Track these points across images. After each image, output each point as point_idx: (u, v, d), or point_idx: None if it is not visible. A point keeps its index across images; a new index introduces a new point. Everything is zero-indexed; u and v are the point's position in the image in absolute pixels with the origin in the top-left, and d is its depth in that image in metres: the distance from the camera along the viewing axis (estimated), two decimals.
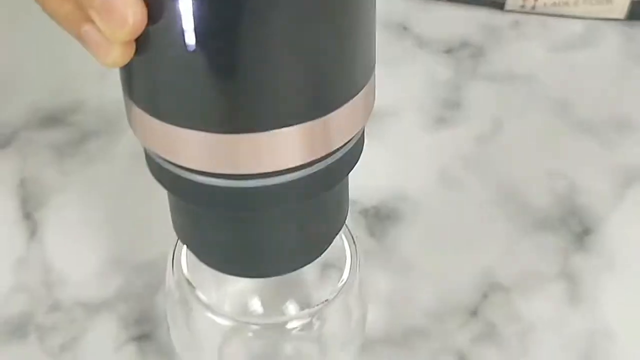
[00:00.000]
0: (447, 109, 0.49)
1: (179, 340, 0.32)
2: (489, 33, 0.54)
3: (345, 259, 0.31)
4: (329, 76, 0.22)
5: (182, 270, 0.30)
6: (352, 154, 0.24)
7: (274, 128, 0.21)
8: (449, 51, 0.52)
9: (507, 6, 0.55)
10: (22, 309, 0.37)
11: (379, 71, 0.50)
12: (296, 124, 0.21)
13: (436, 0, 0.56)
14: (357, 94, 0.23)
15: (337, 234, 0.27)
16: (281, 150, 0.22)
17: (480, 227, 0.42)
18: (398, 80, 0.50)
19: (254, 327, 0.30)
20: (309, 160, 0.22)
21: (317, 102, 0.22)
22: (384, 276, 0.40)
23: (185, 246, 0.31)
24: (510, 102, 0.49)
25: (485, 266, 0.40)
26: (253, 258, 0.26)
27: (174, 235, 0.29)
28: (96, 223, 0.41)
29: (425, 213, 0.43)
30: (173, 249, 0.31)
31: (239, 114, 0.21)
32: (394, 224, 0.42)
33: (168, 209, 0.27)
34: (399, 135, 0.47)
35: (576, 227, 0.42)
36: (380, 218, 0.42)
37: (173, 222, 0.27)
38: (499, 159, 0.46)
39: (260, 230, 0.25)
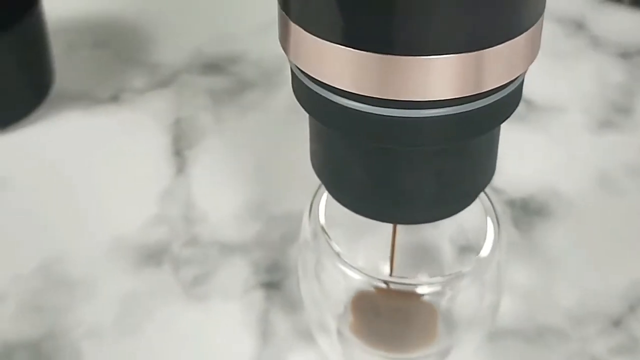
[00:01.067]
0: (616, 113, 0.46)
1: (307, 291, 0.32)
2: None
3: (486, 237, 0.30)
4: (492, 9, 0.21)
5: (318, 220, 0.30)
6: (507, 101, 0.23)
7: (430, 54, 0.20)
8: (624, 55, 0.49)
9: None
10: (160, 239, 0.38)
11: (548, 63, 0.48)
12: (453, 53, 0.21)
13: (617, 2, 0.53)
14: (520, 34, 0.22)
15: (480, 191, 0.26)
16: (433, 79, 0.21)
17: (636, 238, 0.39)
18: (568, 76, 0.48)
19: (384, 285, 0.29)
20: (461, 94, 0.21)
21: (477, 35, 0.21)
22: (524, 270, 0.38)
23: (324, 196, 0.31)
24: None
25: (635, 278, 0.38)
26: (389, 200, 0.25)
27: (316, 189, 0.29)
28: (243, 169, 0.41)
29: (577, 213, 0.40)
30: (312, 198, 0.30)
31: (396, 35, 0.20)
32: (542, 219, 0.40)
33: None
34: (562, 130, 0.45)
35: None
36: (528, 211, 0.40)
37: (311, 157, 0.26)
38: None
39: (400, 170, 0.24)
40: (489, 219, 0.30)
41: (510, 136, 0.44)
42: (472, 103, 0.22)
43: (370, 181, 0.24)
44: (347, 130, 0.23)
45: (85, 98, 0.45)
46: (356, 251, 0.34)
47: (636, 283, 0.37)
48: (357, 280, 0.29)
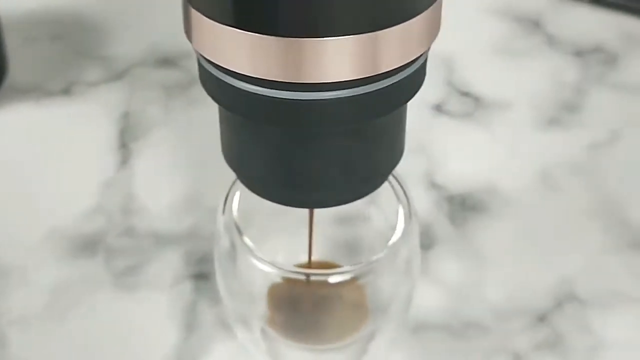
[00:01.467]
0: (565, 112, 0.46)
1: (223, 285, 0.32)
2: (628, 41, 0.50)
3: (397, 226, 0.30)
4: None
5: (232, 214, 0.30)
6: (408, 83, 0.23)
7: (325, 36, 0.21)
8: (579, 54, 0.49)
9: None
10: (97, 229, 0.39)
11: (501, 61, 0.48)
12: (348, 34, 0.21)
13: (578, 0, 0.53)
14: (416, 16, 0.22)
15: (388, 172, 0.26)
16: (329, 61, 0.21)
17: (571, 235, 0.39)
18: (520, 74, 0.48)
19: (297, 277, 0.29)
20: (358, 76, 0.22)
21: (372, 17, 0.21)
22: (455, 265, 0.38)
23: (238, 191, 0.31)
24: (635, 114, 0.46)
25: (566, 275, 0.38)
26: (297, 185, 0.25)
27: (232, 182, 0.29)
28: (186, 163, 0.42)
29: (514, 210, 0.40)
30: (227, 191, 0.31)
31: (289, 17, 0.21)
32: (478, 216, 0.40)
33: None
34: (508, 128, 0.45)
35: None
36: (465, 207, 0.40)
37: (222, 145, 0.26)
38: (609, 170, 0.42)
39: (306, 153, 0.24)
40: (400, 207, 0.30)
41: (456, 132, 0.44)
42: (372, 85, 0.23)
43: (277, 166, 0.25)
44: (249, 114, 0.23)
45: (37, 90, 0.46)
46: (275, 243, 0.34)
47: (565, 280, 0.38)
48: (269, 273, 0.30)
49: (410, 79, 0.24)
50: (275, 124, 0.23)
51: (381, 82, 0.23)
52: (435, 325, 0.36)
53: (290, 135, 0.24)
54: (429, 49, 0.24)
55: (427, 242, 0.39)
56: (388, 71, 0.22)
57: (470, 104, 0.46)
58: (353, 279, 0.29)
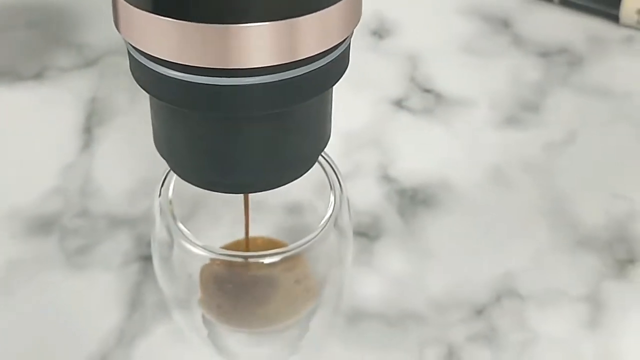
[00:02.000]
0: (524, 111, 0.46)
1: (160, 270, 0.33)
2: (594, 44, 0.51)
3: (327, 210, 0.31)
4: None
5: (167, 198, 0.31)
6: (329, 69, 0.24)
7: (243, 22, 0.22)
8: (544, 54, 0.50)
9: (622, 19, 0.51)
10: (53, 209, 0.40)
11: (466, 60, 0.49)
12: (266, 21, 0.22)
13: (548, 2, 0.53)
14: (333, 4, 0.23)
15: (315, 157, 0.27)
16: (248, 47, 0.22)
17: (517, 232, 0.40)
18: (483, 72, 0.49)
19: (230, 260, 0.30)
20: (277, 62, 0.22)
21: (288, 3, 0.22)
22: (400, 257, 0.39)
23: (175, 175, 0.32)
24: (593, 117, 0.46)
25: (508, 270, 0.38)
26: (223, 170, 0.26)
27: None
28: (145, 150, 0.43)
29: (464, 206, 0.41)
30: (164, 175, 0.32)
31: (209, 3, 0.21)
32: (427, 210, 0.41)
33: None
34: (465, 125, 0.45)
35: (621, 255, 0.39)
36: (415, 202, 0.41)
37: (153, 134, 0.27)
38: (562, 170, 0.43)
39: (231, 139, 0.25)
40: (331, 194, 0.31)
41: (414, 128, 0.45)
42: (292, 70, 0.23)
43: (203, 152, 0.26)
44: (173, 101, 0.24)
45: (10, 74, 0.47)
46: (214, 226, 0.35)
47: (507, 275, 0.38)
48: (202, 256, 0.30)
49: (331, 66, 0.24)
50: (197, 109, 0.24)
51: (301, 68, 0.23)
52: (372, 315, 0.36)
53: (214, 120, 0.25)
54: (349, 37, 0.25)
55: (374, 234, 0.40)
56: (307, 58, 0.23)
57: (431, 100, 0.47)
58: (283, 261, 0.30)
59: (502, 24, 0.52)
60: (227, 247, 0.35)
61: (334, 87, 0.26)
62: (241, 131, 0.25)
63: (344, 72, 0.26)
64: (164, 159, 0.28)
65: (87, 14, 0.51)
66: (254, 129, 0.25)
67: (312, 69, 0.24)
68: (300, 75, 0.24)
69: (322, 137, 0.27)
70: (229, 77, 0.23)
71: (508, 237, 0.40)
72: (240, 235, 0.35)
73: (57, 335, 0.35)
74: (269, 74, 0.23)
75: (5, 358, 0.34)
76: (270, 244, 0.37)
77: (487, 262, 0.39)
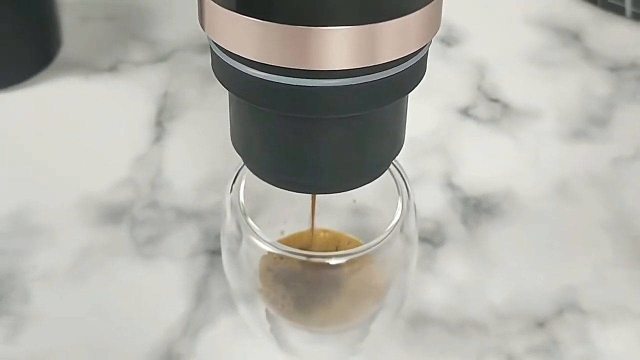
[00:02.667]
0: (593, 125, 0.46)
1: (227, 262, 0.34)
2: None
3: (394, 215, 0.31)
4: None
5: (238, 194, 0.32)
6: (407, 75, 0.25)
7: (325, 25, 0.22)
8: (614, 69, 0.50)
9: None
10: (124, 199, 0.41)
11: (535, 71, 0.49)
12: (347, 25, 0.22)
13: (620, 16, 0.53)
14: (413, 12, 0.23)
15: (388, 163, 0.27)
16: (329, 49, 0.22)
17: (582, 246, 0.40)
18: (551, 84, 0.49)
19: (296, 257, 0.30)
20: (356, 66, 0.23)
21: (370, 9, 0.22)
22: (462, 264, 0.39)
23: (246, 171, 0.33)
24: None
25: (570, 284, 0.38)
26: (296, 169, 0.26)
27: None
28: (215, 144, 0.44)
29: (527, 217, 0.41)
30: (236, 171, 0.32)
31: (294, 6, 0.22)
32: (491, 219, 0.41)
33: None
34: (532, 136, 0.45)
35: None
36: (479, 210, 0.41)
37: (230, 132, 0.28)
38: (628, 185, 0.43)
39: (305, 139, 0.25)
40: (399, 200, 0.32)
41: (479, 137, 0.45)
42: (370, 75, 0.24)
43: (278, 151, 0.26)
44: (252, 99, 0.25)
45: (86, 66, 0.49)
46: (281, 224, 0.36)
47: (570, 288, 0.38)
48: (270, 252, 0.31)
49: (408, 73, 0.25)
50: (276, 108, 0.25)
51: (379, 73, 0.24)
52: (433, 320, 0.37)
53: (291, 120, 0.25)
54: (428, 44, 0.25)
55: (438, 240, 0.40)
56: (385, 63, 0.24)
57: (498, 110, 0.47)
58: (349, 263, 0.31)
59: (573, 36, 0.52)
60: (288, 239, 0.36)
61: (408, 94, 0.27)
62: (317, 132, 0.25)
63: (421, 79, 0.26)
64: (239, 154, 0.28)
65: (162, 11, 0.53)
66: (329, 131, 0.25)
67: (390, 74, 0.24)
68: (377, 80, 0.24)
69: (395, 143, 0.28)
70: (309, 78, 0.23)
71: (572, 250, 0.40)
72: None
73: (123, 322, 0.36)
74: (347, 77, 0.24)
75: (71, 342, 0.35)
76: (332, 238, 0.37)
77: (550, 275, 0.39)
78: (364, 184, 0.28)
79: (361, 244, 0.34)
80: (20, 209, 0.40)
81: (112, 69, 0.49)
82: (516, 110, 0.47)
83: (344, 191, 0.28)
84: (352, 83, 0.24)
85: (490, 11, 0.54)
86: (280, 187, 0.28)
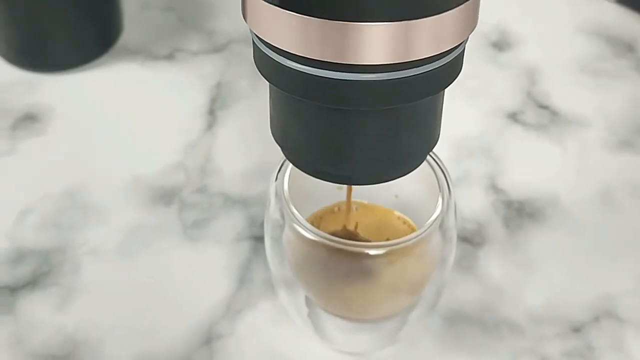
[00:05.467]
0: (639, 136, 0.46)
1: (269, 248, 0.35)
2: None
3: (434, 210, 0.32)
4: None
5: (283, 182, 0.33)
6: (442, 72, 0.25)
7: (362, 21, 0.23)
8: None
9: None
10: (175, 183, 0.42)
11: (586, 80, 0.49)
12: (383, 21, 0.23)
13: None
14: (448, 10, 0.24)
15: (424, 155, 0.28)
16: (365, 44, 0.23)
17: (622, 255, 0.40)
18: (602, 94, 0.49)
19: (336, 246, 0.31)
20: (391, 61, 0.24)
21: (406, 6, 0.23)
22: (501, 266, 0.39)
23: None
24: None
25: (609, 292, 0.38)
26: (333, 161, 0.27)
27: None
28: (264, 135, 0.45)
29: (569, 224, 0.41)
30: (281, 163, 0.33)
31: (334, 2, 0.23)
32: (533, 224, 0.41)
33: None
34: (579, 144, 0.45)
35: None
36: (522, 214, 0.42)
37: (270, 122, 0.29)
38: None
39: (343, 131, 0.26)
40: (439, 197, 0.32)
41: (526, 142, 0.46)
42: (406, 70, 0.24)
43: (316, 141, 0.27)
44: (291, 90, 0.26)
45: (144, 53, 0.50)
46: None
47: (607, 296, 0.38)
48: (310, 240, 0.32)
49: (443, 70, 0.25)
50: (313, 100, 0.25)
51: (415, 69, 0.25)
52: (469, 318, 0.37)
53: (329, 112, 0.26)
54: (463, 42, 0.26)
55: (478, 241, 0.40)
56: (421, 59, 0.24)
57: (546, 116, 0.47)
58: (387, 255, 0.31)
59: (627, 47, 0.51)
60: (318, 215, 0.36)
61: (446, 91, 0.27)
62: (353, 124, 0.26)
63: (456, 76, 0.27)
64: (278, 144, 0.29)
65: (219, 3, 0.54)
66: (365, 123, 0.26)
67: (425, 70, 0.25)
68: (412, 75, 0.25)
69: (430, 138, 0.28)
70: (346, 72, 0.24)
71: (612, 259, 0.40)
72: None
73: (167, 300, 0.38)
74: (383, 72, 0.24)
75: (116, 315, 0.37)
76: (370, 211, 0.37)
77: (588, 282, 0.39)
78: (398, 177, 0.28)
79: (413, 227, 0.35)
80: (76, 187, 0.42)
81: (169, 57, 0.50)
82: (564, 117, 0.47)
83: (377, 183, 0.28)
84: (388, 78, 0.24)
85: (544, 19, 0.54)
86: (317, 177, 0.28)
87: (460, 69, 0.27)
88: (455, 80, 0.27)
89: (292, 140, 0.28)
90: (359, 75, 0.24)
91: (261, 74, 0.27)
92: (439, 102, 0.27)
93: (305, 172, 0.28)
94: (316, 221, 0.36)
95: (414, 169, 0.28)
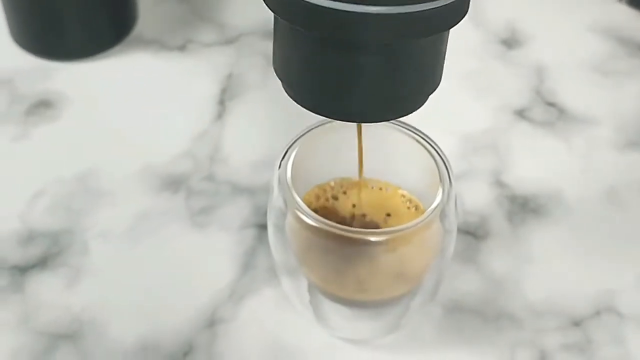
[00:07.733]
0: None
1: (272, 235, 0.35)
2: None
3: (435, 199, 0.32)
4: None
5: (286, 170, 0.33)
6: (449, 9, 0.26)
7: None
8: None
9: None
10: (183, 171, 0.43)
11: (595, 79, 0.49)
12: None
13: None
14: None
15: (427, 95, 0.28)
16: None
17: (624, 252, 0.40)
18: (611, 93, 0.49)
19: (337, 232, 0.32)
20: None
21: None
22: (503, 259, 0.40)
23: (296, 148, 0.34)
24: None
25: (610, 288, 0.39)
26: (334, 95, 0.27)
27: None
28: (273, 125, 0.45)
29: (573, 220, 0.42)
30: (284, 151, 0.34)
31: None
32: (536, 218, 0.41)
33: None
34: (585, 142, 0.46)
35: None
36: (525, 209, 0.42)
37: (273, 59, 0.29)
38: None
39: (345, 64, 0.26)
40: (440, 186, 0.33)
41: (533, 138, 0.46)
42: (412, 5, 0.25)
43: (318, 75, 0.27)
44: (299, 22, 0.26)
45: (157, 44, 0.51)
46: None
47: (608, 292, 0.39)
48: (312, 226, 0.32)
49: (449, 8, 0.26)
50: (319, 32, 0.26)
51: (420, 4, 0.25)
52: (469, 309, 0.38)
53: (332, 45, 0.26)
54: None
55: (481, 234, 0.41)
56: None
57: (554, 114, 0.47)
58: (387, 243, 0.32)
59: (637, 47, 0.52)
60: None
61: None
62: (356, 59, 0.26)
63: (462, 17, 0.27)
64: (279, 79, 0.29)
65: None
66: (369, 59, 0.26)
67: (431, 7, 0.25)
68: (418, 11, 0.25)
69: (432, 79, 0.28)
70: (352, 3, 0.25)
71: (614, 255, 0.40)
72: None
73: (172, 284, 0.38)
74: (388, 5, 0.25)
75: (123, 297, 0.38)
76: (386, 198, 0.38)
77: (590, 277, 0.39)
78: (402, 115, 0.29)
79: (421, 208, 0.35)
80: (87, 172, 0.43)
81: (182, 48, 0.51)
82: (572, 115, 0.47)
83: (378, 121, 0.29)
84: (393, 12, 0.25)
85: (554, 17, 0.54)
86: (319, 114, 0.29)
87: (466, 10, 0.27)
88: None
89: (292, 73, 0.28)
90: (366, 8, 0.25)
91: (266, 4, 0.27)
92: (442, 44, 0.28)
93: (305, 108, 0.29)
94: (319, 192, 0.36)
95: (415, 110, 0.28)
